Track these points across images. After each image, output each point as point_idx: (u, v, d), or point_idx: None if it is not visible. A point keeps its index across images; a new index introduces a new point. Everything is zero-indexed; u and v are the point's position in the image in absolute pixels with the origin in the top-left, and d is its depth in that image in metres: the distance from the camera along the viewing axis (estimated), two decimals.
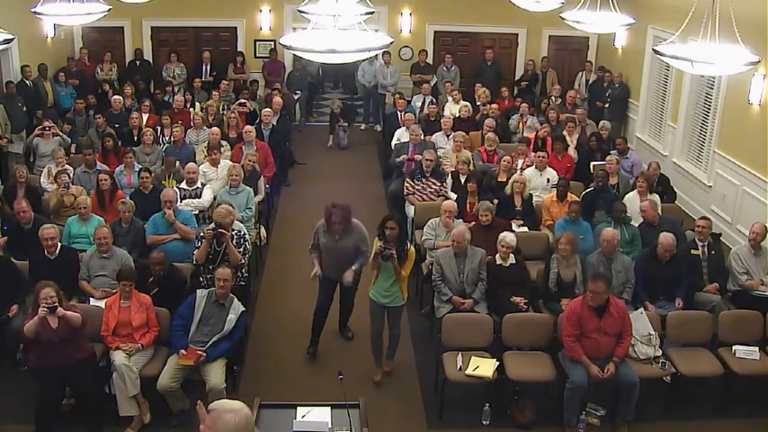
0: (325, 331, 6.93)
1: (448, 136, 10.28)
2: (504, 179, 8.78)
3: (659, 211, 7.88)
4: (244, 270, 6.81)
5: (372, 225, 9.70)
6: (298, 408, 4.74)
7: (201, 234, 6.66)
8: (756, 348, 6.12)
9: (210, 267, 6.42)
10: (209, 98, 11.63)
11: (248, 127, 9.88)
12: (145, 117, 10.75)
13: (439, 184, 8.85)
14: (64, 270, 6.39)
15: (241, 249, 6.63)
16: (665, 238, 6.78)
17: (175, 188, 8.00)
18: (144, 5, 11.21)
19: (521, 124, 11.18)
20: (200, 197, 8.08)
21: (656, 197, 8.27)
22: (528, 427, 5.91)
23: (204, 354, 5.68)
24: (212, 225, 6.60)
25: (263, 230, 8.68)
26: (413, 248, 6.36)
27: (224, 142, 9.65)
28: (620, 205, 7.64)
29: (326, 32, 5.09)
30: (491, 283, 6.65)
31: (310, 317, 6.82)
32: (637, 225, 7.71)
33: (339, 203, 6.49)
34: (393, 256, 6.11)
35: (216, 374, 5.64)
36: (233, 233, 6.64)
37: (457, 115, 11.30)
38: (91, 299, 6.44)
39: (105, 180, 7.89)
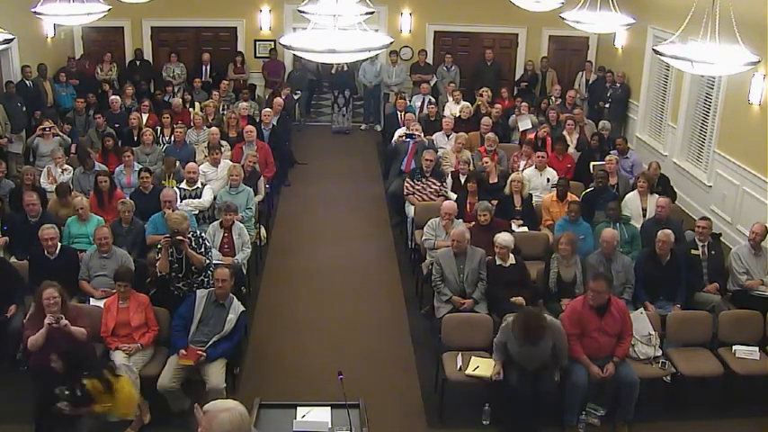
0: (324, 332, 6.90)
1: (448, 136, 10.28)
2: (495, 180, 8.80)
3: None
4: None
5: (372, 226, 9.84)
6: (298, 408, 4.74)
7: (159, 245, 6.47)
8: (756, 348, 6.12)
9: (180, 276, 6.31)
10: (210, 98, 11.62)
11: (249, 127, 9.88)
12: (145, 117, 10.76)
13: (439, 184, 8.84)
14: (64, 270, 6.37)
15: (202, 250, 6.42)
16: (663, 232, 6.79)
17: (175, 188, 8.00)
18: (144, 5, 11.20)
19: (516, 119, 11.15)
20: (200, 197, 8.06)
21: (656, 197, 8.26)
22: None
23: (204, 354, 5.67)
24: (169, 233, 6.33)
25: (263, 230, 8.66)
26: (123, 382, 4.43)
27: (224, 142, 9.65)
28: (612, 204, 7.62)
29: (326, 32, 5.09)
30: (491, 283, 6.64)
31: (310, 317, 6.70)
32: (642, 222, 7.70)
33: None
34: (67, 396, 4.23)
35: (216, 375, 5.64)
36: (189, 235, 6.41)
37: (457, 115, 11.30)
38: (91, 299, 6.43)
39: (104, 181, 7.89)
